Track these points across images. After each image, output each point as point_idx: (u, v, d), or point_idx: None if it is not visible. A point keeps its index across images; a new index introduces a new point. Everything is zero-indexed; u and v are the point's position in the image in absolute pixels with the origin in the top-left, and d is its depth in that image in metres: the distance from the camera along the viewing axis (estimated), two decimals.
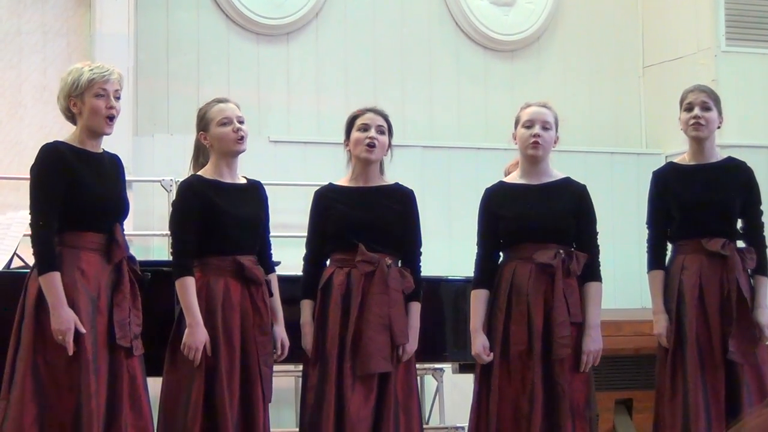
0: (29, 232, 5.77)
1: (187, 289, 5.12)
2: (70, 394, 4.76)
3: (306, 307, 5.47)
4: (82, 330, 4.74)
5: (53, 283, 4.76)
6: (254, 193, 5.43)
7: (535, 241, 5.47)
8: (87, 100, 4.90)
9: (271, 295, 5.34)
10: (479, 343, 5.47)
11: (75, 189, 4.87)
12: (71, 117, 4.99)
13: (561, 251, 5.43)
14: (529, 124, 5.53)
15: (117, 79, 4.95)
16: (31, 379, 4.79)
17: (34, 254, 4.88)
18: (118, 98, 4.95)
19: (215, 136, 5.30)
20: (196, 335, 5.08)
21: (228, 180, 5.34)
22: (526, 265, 5.45)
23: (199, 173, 5.36)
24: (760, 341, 5.65)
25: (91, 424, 4.71)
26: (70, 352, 4.72)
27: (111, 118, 4.92)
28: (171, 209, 5.40)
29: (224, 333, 5.17)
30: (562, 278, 5.41)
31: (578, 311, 5.44)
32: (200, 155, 5.44)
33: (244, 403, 5.20)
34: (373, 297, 5.39)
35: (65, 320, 4.73)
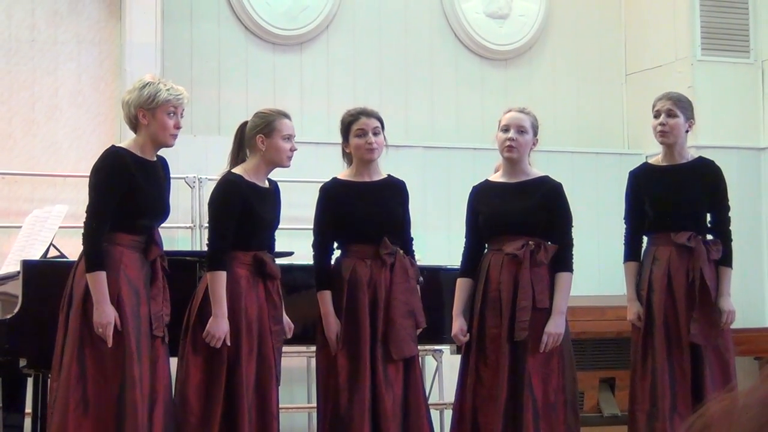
0: (65, 225, 5.82)
1: (219, 281, 5.11)
2: (113, 381, 4.81)
3: (327, 298, 5.43)
4: (119, 327, 4.78)
5: (99, 281, 4.81)
6: (274, 195, 5.45)
7: (508, 234, 5.49)
8: (159, 116, 4.94)
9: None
10: (457, 326, 5.55)
11: (131, 196, 4.90)
12: (134, 125, 5.01)
13: (530, 242, 5.45)
14: (505, 129, 5.56)
15: (187, 103, 5.05)
16: (76, 365, 4.85)
17: (84, 252, 4.89)
18: (182, 117, 5.05)
19: (275, 145, 5.27)
20: (221, 325, 5.07)
21: (261, 184, 5.35)
22: (499, 255, 5.49)
23: (239, 173, 5.31)
24: (723, 326, 5.67)
25: (135, 409, 4.74)
26: (109, 344, 4.76)
27: (174, 137, 5.02)
28: (212, 202, 5.33)
29: (246, 324, 5.18)
30: (529, 267, 5.43)
31: (545, 298, 5.44)
32: (240, 151, 5.41)
33: (258, 386, 5.20)
34: (397, 286, 5.43)
35: (106, 315, 4.78)
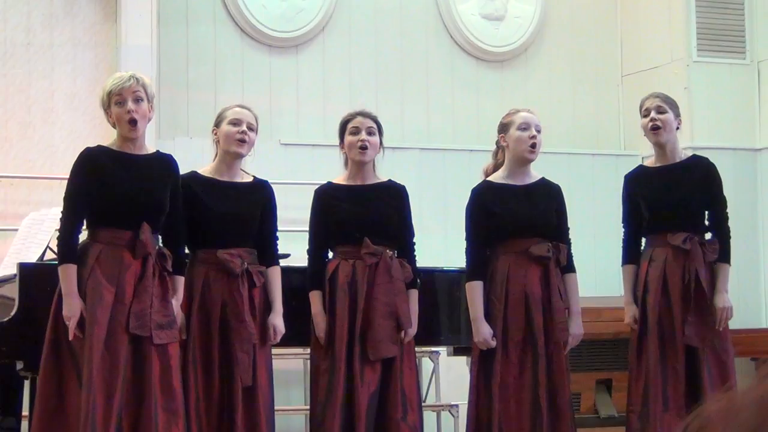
0: None
1: None
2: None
3: (316, 297, 5.45)
4: (84, 317, 4.76)
5: (66, 274, 4.82)
6: (256, 191, 5.42)
7: (525, 237, 5.48)
8: (113, 110, 4.90)
9: (254, 285, 5.30)
10: (486, 331, 5.45)
11: (103, 189, 4.87)
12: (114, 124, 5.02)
13: (550, 244, 5.47)
14: (525, 127, 5.52)
15: (132, 83, 4.88)
16: (50, 363, 4.87)
17: (57, 246, 4.94)
18: (139, 100, 4.89)
19: (222, 132, 5.33)
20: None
21: (225, 178, 5.33)
22: (521, 258, 5.46)
23: (198, 170, 5.37)
24: (719, 323, 5.65)
25: (90, 386, 4.70)
26: (71, 337, 4.76)
27: (132, 122, 4.88)
28: None
29: (199, 322, 5.18)
30: (554, 269, 5.46)
31: (566, 298, 5.49)
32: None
33: (224, 387, 5.19)
34: (378, 286, 5.41)
35: (71, 308, 4.78)
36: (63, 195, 4.99)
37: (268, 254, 5.43)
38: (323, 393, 5.35)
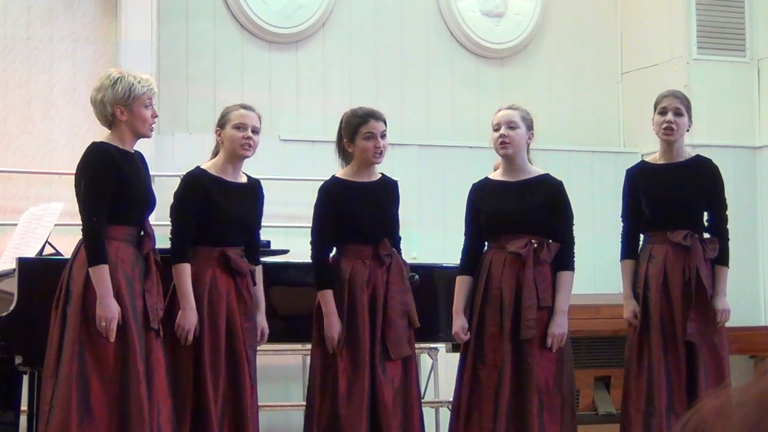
0: (61, 222, 5.82)
1: (184, 274, 5.14)
2: (114, 378, 4.80)
3: (329, 297, 5.41)
4: (121, 321, 4.78)
5: (102, 275, 4.81)
6: (252, 191, 5.44)
7: (510, 233, 5.50)
8: (136, 109, 4.97)
9: (254, 284, 5.32)
10: (459, 324, 5.55)
11: (121, 187, 4.91)
12: (111, 121, 5.01)
13: (533, 241, 5.45)
14: (496, 128, 5.59)
15: (156, 91, 5.11)
16: (77, 363, 4.82)
17: (86, 247, 4.88)
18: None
19: (227, 135, 5.33)
20: (189, 318, 5.10)
21: (230, 178, 5.35)
22: (501, 253, 5.49)
23: (204, 167, 5.36)
24: (718, 325, 5.68)
25: (141, 406, 4.73)
26: (111, 339, 4.75)
27: (153, 125, 5.09)
28: (174, 196, 5.37)
29: (209, 319, 5.19)
30: (532, 266, 5.44)
31: (548, 296, 5.46)
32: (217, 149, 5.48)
33: (231, 384, 5.20)
34: (393, 286, 5.44)
35: (111, 310, 4.77)
36: (85, 194, 4.95)
37: (254, 253, 5.44)
38: (345, 395, 5.33)
